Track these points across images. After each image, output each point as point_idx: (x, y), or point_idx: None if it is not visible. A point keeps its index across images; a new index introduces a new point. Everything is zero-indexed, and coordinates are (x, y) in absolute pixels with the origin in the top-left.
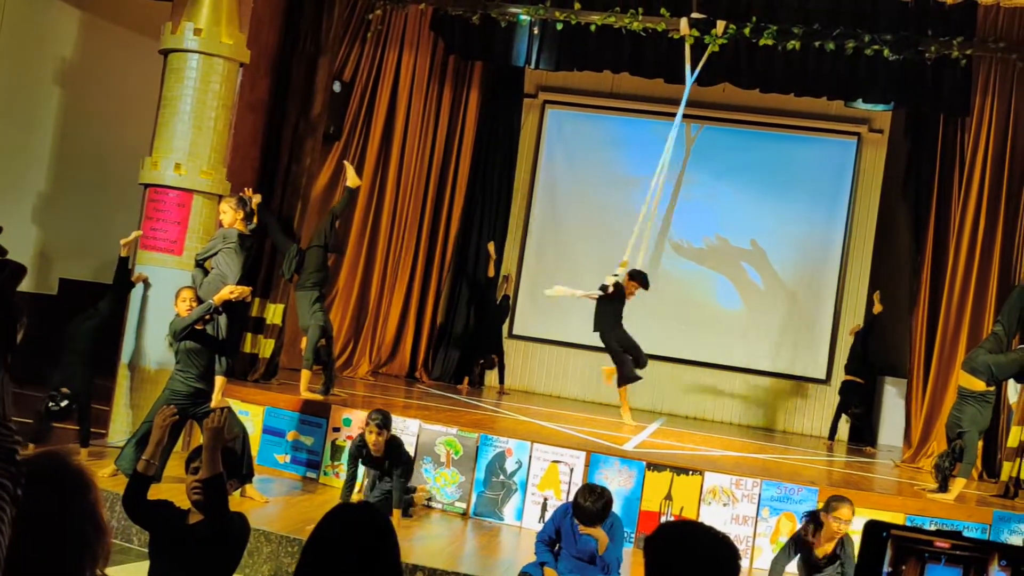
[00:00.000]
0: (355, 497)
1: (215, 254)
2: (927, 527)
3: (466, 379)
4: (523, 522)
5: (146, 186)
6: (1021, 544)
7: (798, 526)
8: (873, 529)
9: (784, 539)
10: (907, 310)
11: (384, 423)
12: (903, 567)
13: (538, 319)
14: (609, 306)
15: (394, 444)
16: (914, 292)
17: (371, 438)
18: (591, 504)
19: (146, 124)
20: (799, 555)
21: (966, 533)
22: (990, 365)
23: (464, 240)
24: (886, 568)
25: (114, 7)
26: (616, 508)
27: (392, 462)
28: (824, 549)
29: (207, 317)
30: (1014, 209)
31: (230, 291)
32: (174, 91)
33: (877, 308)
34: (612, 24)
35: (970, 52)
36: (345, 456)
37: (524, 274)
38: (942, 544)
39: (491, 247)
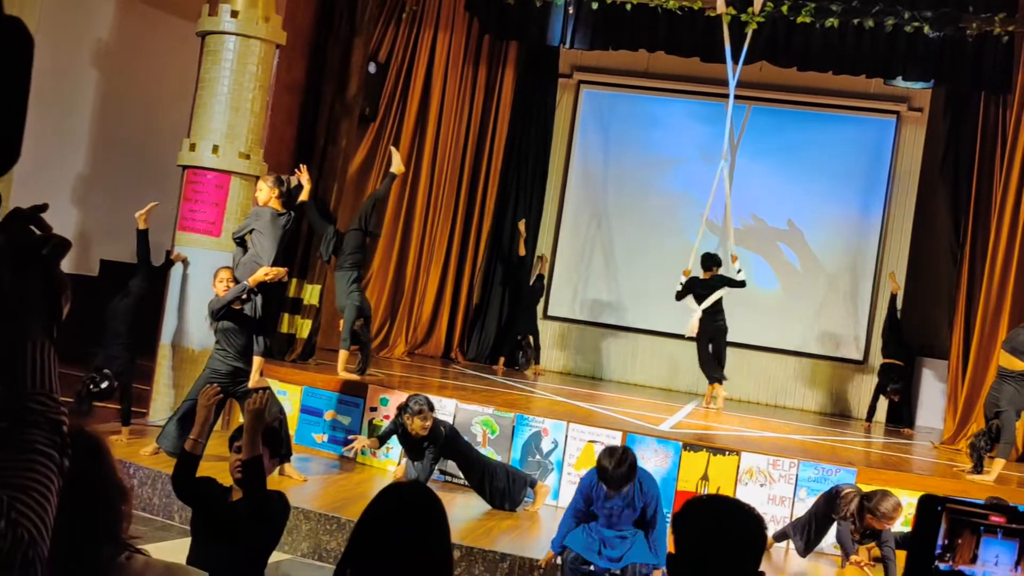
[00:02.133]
0: (399, 472)
1: (250, 232)
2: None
3: (501, 359)
4: (559, 501)
5: (184, 168)
6: None
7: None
8: (928, 503)
9: None
10: (946, 292)
11: (430, 407)
12: (958, 540)
13: (574, 299)
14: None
15: (434, 432)
16: (954, 274)
17: (415, 423)
18: (613, 469)
19: (184, 107)
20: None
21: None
22: None
23: (499, 221)
24: (941, 540)
25: None
26: None
27: (428, 448)
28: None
29: (244, 297)
30: None
31: (264, 273)
32: (211, 73)
33: (894, 288)
34: (647, 3)
35: (1012, 28)
36: (381, 431)
37: (559, 255)
38: (997, 519)
39: (521, 225)
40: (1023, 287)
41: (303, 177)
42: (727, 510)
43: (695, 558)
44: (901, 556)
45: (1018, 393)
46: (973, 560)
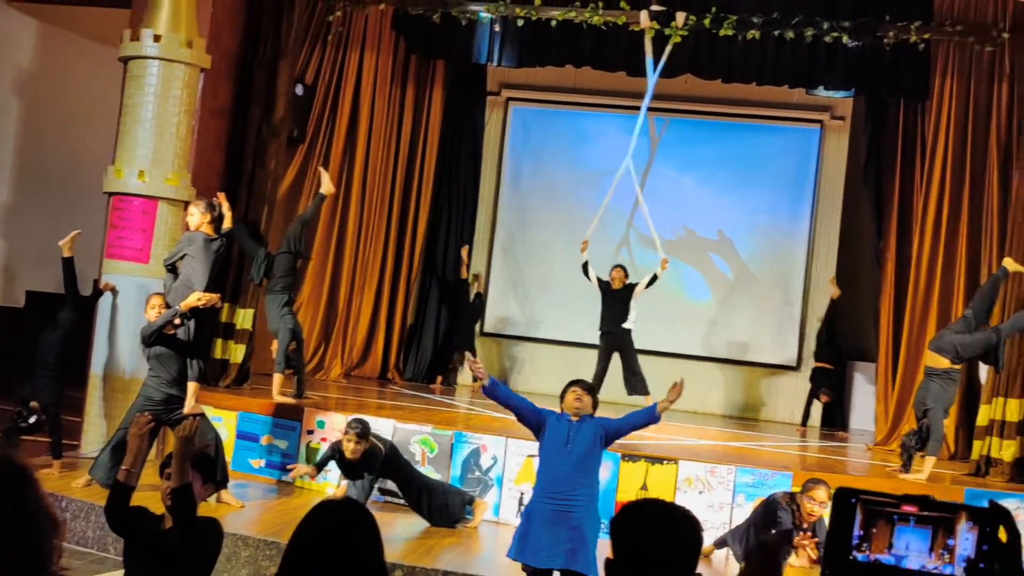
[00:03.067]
0: (339, 493)
1: (182, 257)
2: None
3: (439, 378)
4: (500, 517)
5: (110, 195)
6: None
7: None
8: (843, 495)
9: None
10: (872, 297)
11: (363, 433)
12: (873, 530)
13: (509, 316)
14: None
15: (370, 454)
16: (879, 278)
17: (349, 445)
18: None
19: (109, 133)
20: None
21: None
22: (955, 344)
23: (432, 239)
24: (857, 531)
25: (72, 16)
26: None
27: (366, 471)
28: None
29: (177, 322)
30: (978, 192)
31: (197, 298)
32: (135, 98)
33: (835, 293)
34: (572, 19)
35: (928, 36)
36: (319, 457)
37: (493, 272)
38: (910, 508)
39: (464, 252)
40: (948, 290)
41: (223, 205)
42: (663, 513)
43: (633, 562)
44: None
45: (944, 391)
46: (889, 548)
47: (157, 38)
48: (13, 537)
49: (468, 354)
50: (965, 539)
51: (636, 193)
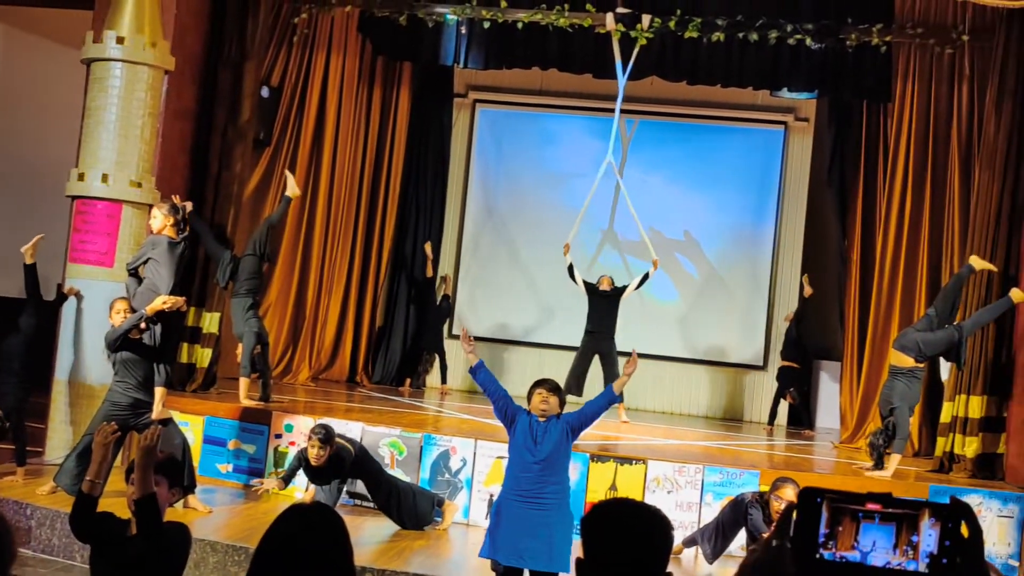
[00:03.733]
0: (307, 497)
1: (145, 262)
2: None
3: (407, 381)
4: (470, 519)
5: (73, 198)
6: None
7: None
8: (808, 494)
9: None
10: (837, 296)
11: (327, 438)
12: (839, 528)
13: (477, 318)
14: None
15: (337, 459)
16: (843, 278)
17: (312, 452)
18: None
19: (71, 135)
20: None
21: None
22: (918, 342)
23: (400, 242)
24: (823, 529)
25: (33, 17)
26: None
27: (333, 475)
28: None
29: (142, 326)
30: (940, 192)
31: (163, 302)
32: (98, 101)
33: (808, 291)
34: (539, 21)
35: (889, 38)
36: (288, 462)
37: (461, 274)
38: (874, 506)
39: (428, 248)
40: (912, 290)
41: (186, 206)
42: (633, 513)
43: (603, 562)
44: None
45: (909, 389)
46: (854, 545)
47: (120, 40)
48: None
49: (464, 329)
50: (928, 535)
51: (612, 194)
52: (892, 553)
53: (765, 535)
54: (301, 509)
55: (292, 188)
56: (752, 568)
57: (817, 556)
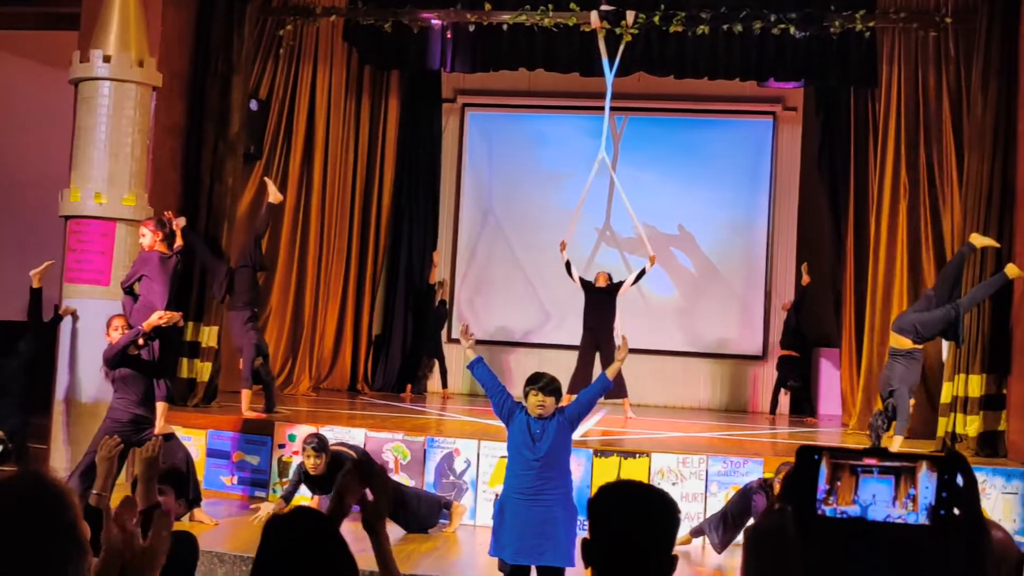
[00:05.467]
0: (313, 505)
1: (139, 279)
2: None
3: (408, 387)
4: (476, 520)
5: (67, 218)
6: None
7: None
8: (806, 452)
9: None
10: (832, 283)
11: (320, 446)
12: (838, 483)
13: (477, 321)
14: None
15: (336, 464)
16: (838, 265)
17: (309, 462)
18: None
19: (63, 156)
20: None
21: None
22: (915, 323)
23: (395, 249)
24: (823, 485)
25: (20, 40)
26: None
27: (335, 482)
28: None
29: (140, 342)
30: (931, 174)
31: (159, 316)
32: (88, 120)
33: (806, 279)
34: (523, 22)
35: (873, 24)
36: (289, 477)
37: (458, 278)
38: (871, 460)
39: (436, 256)
40: (907, 272)
41: (177, 221)
42: (640, 494)
43: (609, 542)
44: None
45: (908, 371)
46: (855, 499)
47: (107, 59)
48: (36, 559)
49: (464, 324)
50: (926, 487)
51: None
52: (892, 506)
53: None
54: (283, 518)
55: (274, 194)
56: (756, 534)
57: (818, 512)
